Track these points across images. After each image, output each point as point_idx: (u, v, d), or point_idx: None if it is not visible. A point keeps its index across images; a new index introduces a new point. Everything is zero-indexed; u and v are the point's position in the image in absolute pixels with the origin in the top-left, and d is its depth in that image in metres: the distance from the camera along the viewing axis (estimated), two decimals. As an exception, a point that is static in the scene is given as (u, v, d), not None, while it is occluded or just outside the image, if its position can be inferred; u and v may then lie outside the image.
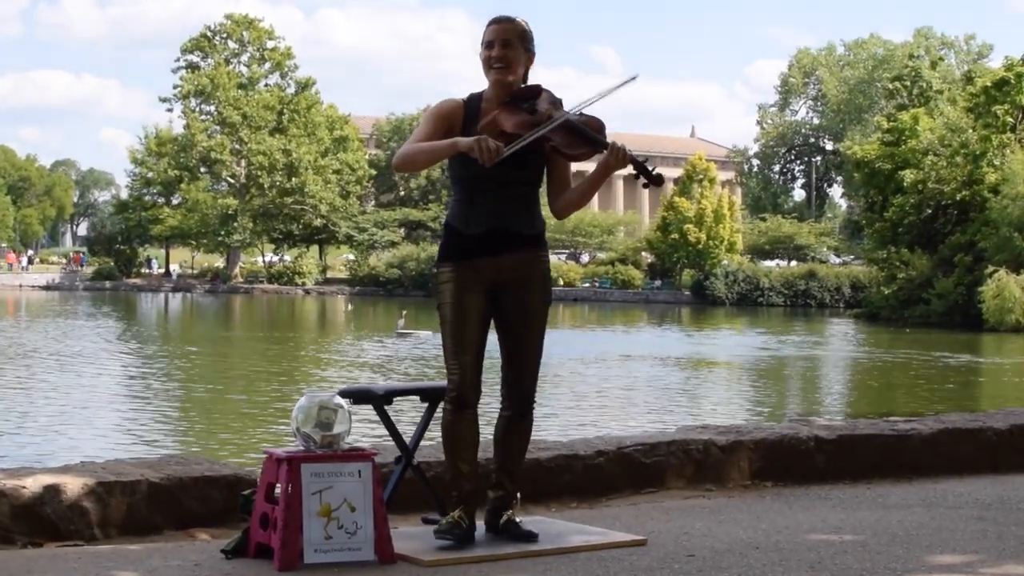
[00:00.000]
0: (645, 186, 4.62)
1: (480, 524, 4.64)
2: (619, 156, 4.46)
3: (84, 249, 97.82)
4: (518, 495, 4.71)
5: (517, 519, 4.64)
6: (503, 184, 4.51)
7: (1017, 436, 6.84)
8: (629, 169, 4.54)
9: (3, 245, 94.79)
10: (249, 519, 4.35)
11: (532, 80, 4.65)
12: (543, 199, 4.73)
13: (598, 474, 5.75)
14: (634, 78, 4.55)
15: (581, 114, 4.55)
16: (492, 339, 4.64)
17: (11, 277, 79.15)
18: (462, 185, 4.57)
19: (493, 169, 4.37)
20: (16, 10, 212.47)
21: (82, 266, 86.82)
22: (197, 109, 79.54)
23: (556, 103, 4.54)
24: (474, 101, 4.59)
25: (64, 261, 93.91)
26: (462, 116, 4.54)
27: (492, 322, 4.64)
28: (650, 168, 4.53)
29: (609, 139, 4.55)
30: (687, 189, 71.15)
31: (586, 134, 4.52)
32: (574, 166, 4.75)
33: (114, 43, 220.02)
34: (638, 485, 5.83)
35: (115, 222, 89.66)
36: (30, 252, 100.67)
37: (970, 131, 50.71)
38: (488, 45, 4.56)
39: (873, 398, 22.70)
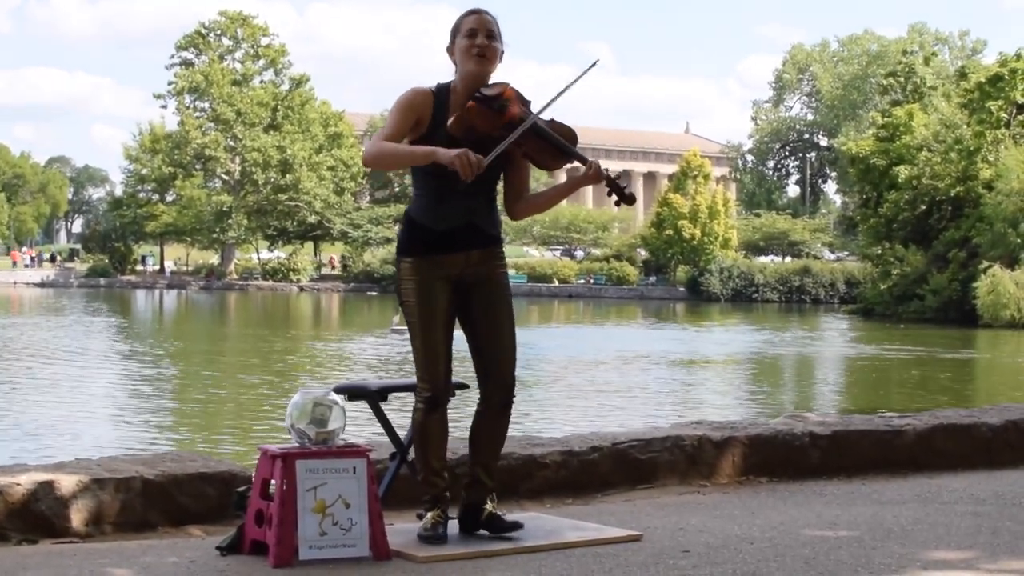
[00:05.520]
0: (617, 204, 4.66)
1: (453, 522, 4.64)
2: (595, 174, 4.50)
3: (42, 248, 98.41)
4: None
5: (498, 512, 4.62)
6: (474, 182, 4.48)
7: (1012, 431, 6.85)
8: (602, 184, 4.58)
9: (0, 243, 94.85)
10: (244, 516, 4.34)
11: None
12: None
13: (593, 470, 5.74)
14: (595, 64, 4.51)
15: (552, 120, 4.55)
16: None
17: (6, 274, 79.08)
18: (430, 182, 4.52)
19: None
20: (7, 7, 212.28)
21: (41, 263, 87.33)
22: (191, 106, 79.53)
23: (526, 104, 4.53)
24: (443, 92, 4.54)
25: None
26: (431, 107, 4.49)
27: (457, 320, 4.64)
28: (623, 186, 4.55)
29: (581, 148, 4.57)
30: (681, 185, 71.22)
31: (561, 145, 4.53)
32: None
33: (106, 40, 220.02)
34: (633, 481, 5.83)
35: (110, 219, 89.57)
36: (34, 250, 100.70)
37: (964, 127, 50.78)
38: (471, 34, 4.50)
39: (868, 394, 22.72)
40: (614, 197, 4.58)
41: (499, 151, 4.36)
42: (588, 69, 4.51)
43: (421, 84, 4.58)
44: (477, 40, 4.50)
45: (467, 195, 4.50)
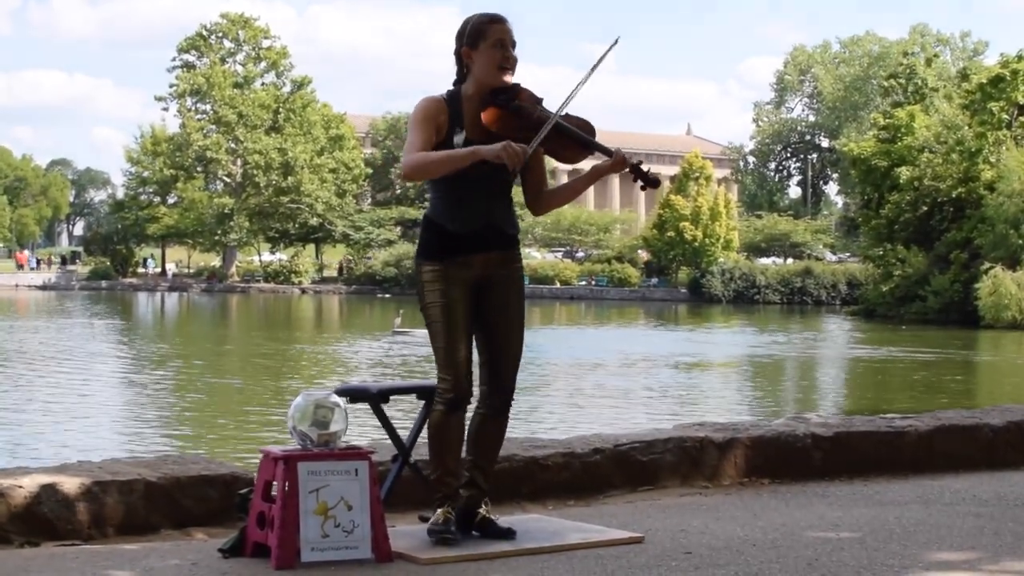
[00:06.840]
0: (643, 188, 4.69)
1: None
2: (620, 161, 4.53)
3: (50, 252, 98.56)
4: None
5: (491, 516, 4.63)
6: (492, 182, 4.50)
7: (1014, 433, 6.85)
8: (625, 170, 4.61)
9: (1, 246, 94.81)
10: (246, 518, 4.34)
11: (521, 81, 4.64)
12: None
13: (595, 472, 5.74)
14: (616, 42, 4.51)
15: (567, 115, 4.55)
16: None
17: (8, 277, 79.09)
18: (451, 184, 4.49)
19: (485, 168, 4.37)
20: (6, 9, 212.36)
21: (50, 266, 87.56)
22: (193, 108, 79.51)
23: (539, 101, 4.53)
24: (455, 99, 4.52)
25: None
26: (447, 114, 4.48)
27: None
28: (646, 171, 4.57)
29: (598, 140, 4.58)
30: (683, 187, 71.12)
31: (582, 139, 4.53)
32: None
33: (105, 42, 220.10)
34: (635, 483, 5.83)
35: (111, 222, 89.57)
36: (38, 253, 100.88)
37: (966, 128, 50.74)
38: (500, 45, 4.48)
39: (870, 395, 22.72)
40: (639, 183, 4.62)
41: (539, 139, 4.37)
42: (609, 49, 4.49)
43: (431, 93, 4.56)
44: (507, 52, 4.50)
45: (486, 196, 4.51)
